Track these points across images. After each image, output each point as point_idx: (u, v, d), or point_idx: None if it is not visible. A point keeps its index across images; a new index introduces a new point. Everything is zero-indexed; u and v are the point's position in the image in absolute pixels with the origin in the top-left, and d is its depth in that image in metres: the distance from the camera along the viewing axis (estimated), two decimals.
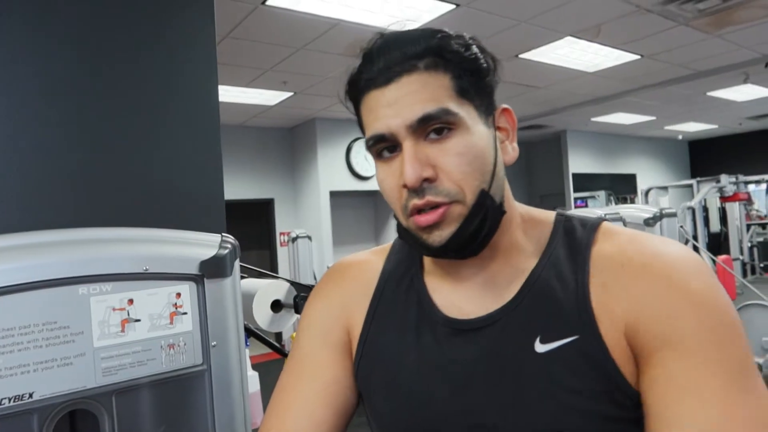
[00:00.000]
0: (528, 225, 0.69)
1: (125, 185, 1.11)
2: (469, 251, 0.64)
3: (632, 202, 9.68)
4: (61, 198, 1.05)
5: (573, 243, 0.65)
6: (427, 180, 0.59)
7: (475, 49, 0.64)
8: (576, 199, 9.37)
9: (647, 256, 0.60)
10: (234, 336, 1.02)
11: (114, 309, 0.90)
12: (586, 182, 9.63)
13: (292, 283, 1.37)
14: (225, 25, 3.59)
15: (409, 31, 0.64)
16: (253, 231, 7.26)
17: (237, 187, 6.43)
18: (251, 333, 1.39)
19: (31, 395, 0.83)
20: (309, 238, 4.92)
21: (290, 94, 5.36)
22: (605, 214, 2.52)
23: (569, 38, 4.32)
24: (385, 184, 0.64)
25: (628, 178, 10.40)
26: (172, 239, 1.00)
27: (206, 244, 1.01)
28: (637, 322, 0.57)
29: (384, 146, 0.62)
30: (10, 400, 0.81)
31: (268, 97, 5.45)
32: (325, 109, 6.06)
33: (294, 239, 4.91)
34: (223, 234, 1.05)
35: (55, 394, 0.84)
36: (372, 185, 6.90)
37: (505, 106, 0.67)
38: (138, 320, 0.92)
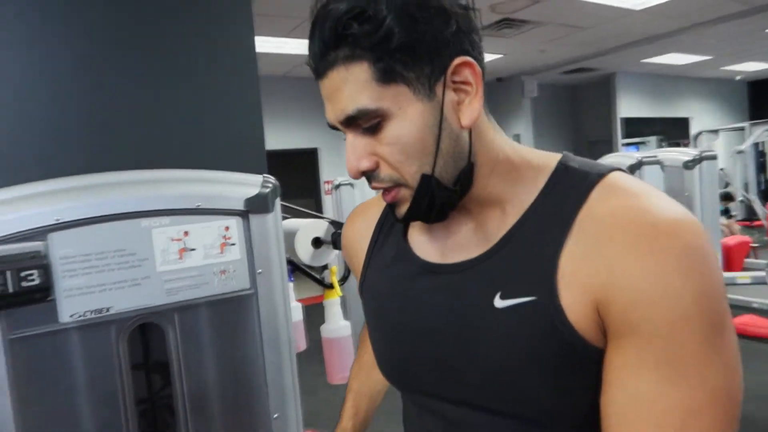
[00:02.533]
0: (519, 173, 0.65)
1: (176, 132, 1.24)
2: (432, 218, 0.64)
3: (685, 147, 9.33)
4: (121, 143, 1.19)
5: (565, 197, 0.61)
6: (365, 171, 0.61)
7: (389, 19, 0.55)
8: (626, 145, 9.10)
9: (645, 226, 0.54)
10: (277, 265, 1.15)
11: (172, 239, 1.03)
12: (637, 127, 9.31)
13: (331, 222, 1.49)
14: None
15: (330, 7, 0.57)
16: (299, 179, 7.46)
17: (283, 137, 6.57)
18: (295, 266, 1.52)
19: (108, 309, 0.98)
20: (351, 185, 5.04)
21: None
22: (642, 158, 2.51)
23: None
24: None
25: (681, 123, 9.99)
26: (220, 179, 1.12)
27: (250, 184, 1.12)
28: (611, 297, 0.54)
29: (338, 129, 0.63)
30: (92, 312, 0.96)
31: None
32: None
33: (337, 187, 5.04)
34: (265, 175, 1.16)
35: (129, 309, 1.00)
36: None
37: (463, 58, 0.58)
38: (193, 249, 1.05)
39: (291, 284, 1.83)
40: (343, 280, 1.55)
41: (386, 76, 0.56)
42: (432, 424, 0.69)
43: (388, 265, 0.74)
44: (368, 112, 0.57)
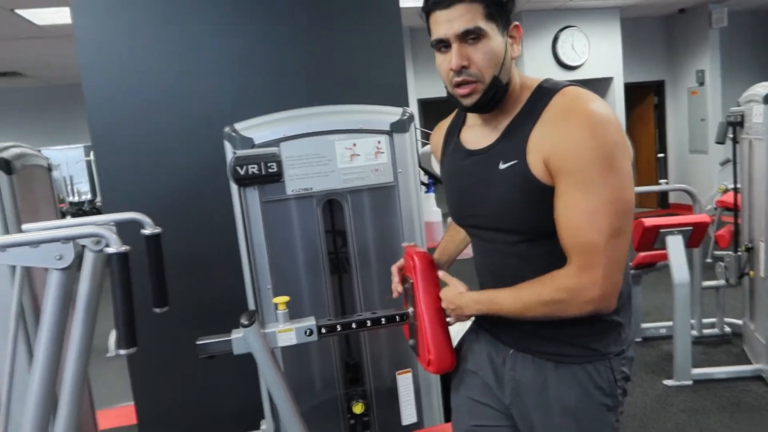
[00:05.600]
0: (521, 92, 1.06)
1: (341, 77, 1.88)
2: (485, 110, 1.07)
3: None
4: (314, 87, 1.87)
5: (537, 103, 1.02)
6: (464, 66, 1.01)
7: None
8: None
9: (573, 111, 0.96)
10: (411, 167, 1.73)
11: (346, 148, 1.67)
12: None
13: None
14: None
15: None
16: None
17: (432, 87, 6.93)
18: (432, 175, 2.10)
19: (311, 189, 1.66)
20: None
21: None
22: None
23: None
24: (441, 67, 1.05)
25: None
26: (375, 111, 1.73)
27: (394, 113, 1.71)
28: (553, 152, 0.96)
29: (442, 45, 1.03)
30: (302, 190, 1.65)
31: None
32: (529, 1, 6.19)
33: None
34: (404, 107, 1.74)
35: (322, 189, 1.67)
36: (580, 74, 6.89)
37: (516, 23, 1.05)
38: (358, 155, 1.68)
39: (432, 194, 2.43)
40: None
41: (489, 16, 0.99)
42: (478, 242, 1.19)
43: (452, 155, 1.21)
44: (480, 30, 0.98)
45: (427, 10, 1.04)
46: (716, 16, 7.20)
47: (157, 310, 1.33)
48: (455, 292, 1.16)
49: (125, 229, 1.32)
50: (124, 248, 0.98)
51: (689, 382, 2.90)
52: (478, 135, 1.13)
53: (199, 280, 2.02)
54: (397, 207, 1.74)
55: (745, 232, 3.04)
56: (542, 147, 0.98)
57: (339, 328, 1.25)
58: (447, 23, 1.00)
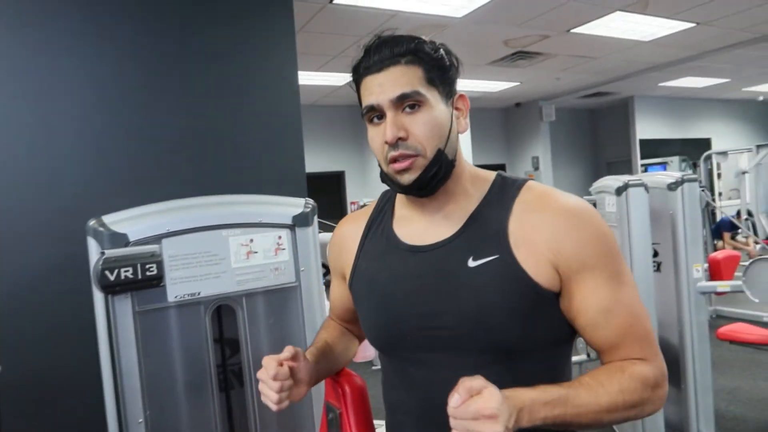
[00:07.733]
0: (474, 180, 0.92)
1: (237, 164, 1.67)
2: (427, 191, 0.88)
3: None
4: (202, 174, 1.63)
5: (503, 194, 0.89)
6: (400, 139, 0.83)
7: (441, 52, 0.87)
8: (646, 165, 9.31)
9: (559, 204, 0.86)
10: (314, 265, 1.55)
11: (242, 245, 1.45)
12: (656, 148, 9.53)
13: None
14: (298, 21, 4.12)
15: (396, 36, 0.87)
16: (327, 200, 7.91)
17: (312, 161, 6.96)
18: (328, 269, 1.93)
19: (199, 293, 1.39)
20: None
21: None
22: (629, 181, 2.86)
23: (618, 12, 4.50)
24: (374, 142, 0.88)
25: (702, 143, 10.14)
26: (275, 202, 1.54)
27: (295, 205, 1.54)
28: (560, 249, 0.82)
29: (374, 114, 0.86)
30: (188, 295, 1.38)
31: (337, 79, 5.97)
32: None
33: (362, 207, 5.43)
34: (306, 198, 1.58)
35: (212, 294, 1.41)
36: None
37: (461, 93, 0.91)
38: (256, 252, 1.47)
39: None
40: None
41: (430, 81, 0.85)
42: (415, 375, 0.90)
43: (378, 254, 0.97)
44: (419, 95, 0.84)
45: (358, 78, 0.89)
46: (546, 111, 8.23)
47: None
48: (493, 396, 0.68)
49: None
50: None
51: None
52: (420, 227, 0.93)
53: (48, 422, 1.56)
54: (299, 310, 1.53)
55: None
56: (535, 242, 0.84)
57: None
58: (380, 88, 0.85)
